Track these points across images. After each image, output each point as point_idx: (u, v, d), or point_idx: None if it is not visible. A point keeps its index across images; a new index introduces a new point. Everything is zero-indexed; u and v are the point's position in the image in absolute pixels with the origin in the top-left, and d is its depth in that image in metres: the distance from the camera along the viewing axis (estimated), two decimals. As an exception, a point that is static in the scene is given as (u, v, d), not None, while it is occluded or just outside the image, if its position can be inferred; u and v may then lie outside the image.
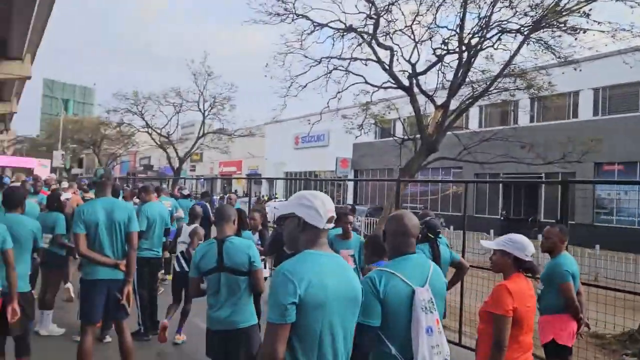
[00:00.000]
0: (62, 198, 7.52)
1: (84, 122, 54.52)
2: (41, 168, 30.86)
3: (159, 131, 33.80)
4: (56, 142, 48.61)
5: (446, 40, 13.87)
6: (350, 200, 35.49)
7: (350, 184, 37.28)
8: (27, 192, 7.19)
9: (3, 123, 59.47)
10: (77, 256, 9.00)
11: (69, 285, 7.71)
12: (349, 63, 15.11)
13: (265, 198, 32.20)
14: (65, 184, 12.39)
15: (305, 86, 15.63)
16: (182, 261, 6.54)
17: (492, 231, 17.35)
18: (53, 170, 36.55)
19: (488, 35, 14.08)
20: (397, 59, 14.71)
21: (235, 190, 43.23)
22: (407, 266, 2.61)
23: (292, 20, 14.53)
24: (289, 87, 15.54)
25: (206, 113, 32.10)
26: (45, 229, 5.84)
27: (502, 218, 27.09)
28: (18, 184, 10.67)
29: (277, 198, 36.65)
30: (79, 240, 4.62)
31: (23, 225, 4.67)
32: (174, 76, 57.67)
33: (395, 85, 15.05)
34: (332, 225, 2.34)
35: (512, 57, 13.88)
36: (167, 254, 9.19)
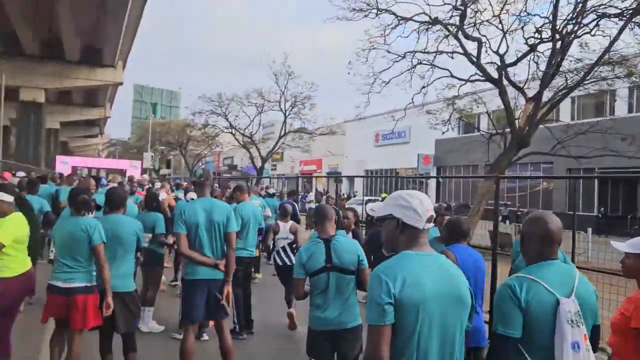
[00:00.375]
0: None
1: (171, 124, 56.91)
2: (132, 169, 32.47)
3: (242, 131, 34.60)
4: (146, 144, 50.97)
5: (539, 29, 13.17)
6: (432, 198, 34.73)
7: (432, 182, 36.50)
8: (127, 193, 7.44)
9: (98, 127, 63.40)
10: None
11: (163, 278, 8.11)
12: (435, 57, 14.76)
13: (345, 196, 32.14)
14: (158, 184, 12.85)
15: (388, 82, 15.42)
16: (283, 255, 7.08)
17: (589, 229, 16.29)
18: (143, 171, 38.32)
19: (584, 22, 13.28)
20: (486, 51, 14.17)
21: (316, 188, 43.50)
22: (550, 273, 2.36)
23: (376, 15, 14.33)
24: (372, 83, 15.38)
25: (287, 112, 32.51)
26: (145, 229, 5.98)
27: (599, 215, 25.52)
28: (115, 184, 11.20)
29: (356, 196, 36.50)
30: (180, 240, 4.68)
31: (126, 225, 4.76)
32: (256, 77, 58.98)
33: (483, 78, 14.52)
34: (431, 224, 2.24)
35: (611, 44, 13.01)
36: (256, 253, 9.27)
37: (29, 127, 31.88)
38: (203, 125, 38.63)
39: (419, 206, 2.20)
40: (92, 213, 4.86)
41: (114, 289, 4.48)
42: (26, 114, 31.88)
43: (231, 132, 35.86)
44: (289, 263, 6.91)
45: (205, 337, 6.27)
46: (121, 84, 36.67)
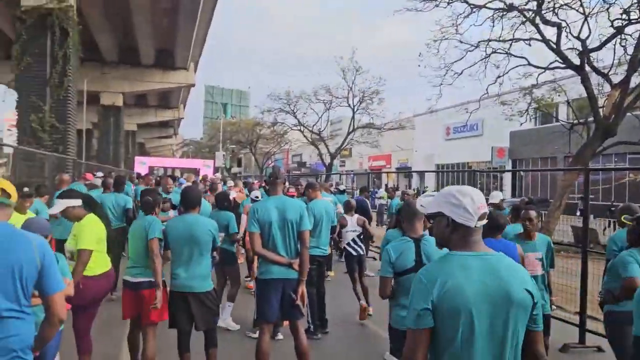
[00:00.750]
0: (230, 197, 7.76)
1: (241, 123, 58.05)
2: (205, 168, 33.27)
3: (310, 128, 34.76)
4: (217, 144, 52.23)
5: (627, 9, 12.27)
6: (508, 192, 33.45)
7: (507, 175, 35.18)
8: (202, 192, 7.50)
9: (172, 128, 65.66)
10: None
11: None
12: (510, 44, 14.10)
13: (414, 192, 31.53)
14: (231, 183, 13.00)
15: (461, 73, 14.92)
16: (355, 246, 7.63)
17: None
18: (215, 169, 39.20)
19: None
20: (566, 36, 13.38)
21: (386, 184, 43.04)
22: None
23: (447, 4, 13.85)
24: (444, 75, 14.93)
25: (355, 108, 32.33)
26: (218, 228, 5.96)
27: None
28: (189, 183, 11.40)
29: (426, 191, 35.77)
30: (254, 240, 4.62)
31: (201, 225, 4.70)
32: (323, 74, 59.06)
33: (563, 65, 13.74)
34: (484, 221, 2.13)
35: None
36: (329, 250, 9.15)
37: (109, 129, 33.47)
38: (272, 123, 39.17)
39: (471, 204, 2.09)
40: (156, 212, 4.92)
41: (191, 290, 4.53)
42: (106, 117, 33.48)
43: (299, 130, 36.16)
44: (361, 252, 7.70)
45: (280, 336, 6.21)
46: (193, 85, 37.67)
